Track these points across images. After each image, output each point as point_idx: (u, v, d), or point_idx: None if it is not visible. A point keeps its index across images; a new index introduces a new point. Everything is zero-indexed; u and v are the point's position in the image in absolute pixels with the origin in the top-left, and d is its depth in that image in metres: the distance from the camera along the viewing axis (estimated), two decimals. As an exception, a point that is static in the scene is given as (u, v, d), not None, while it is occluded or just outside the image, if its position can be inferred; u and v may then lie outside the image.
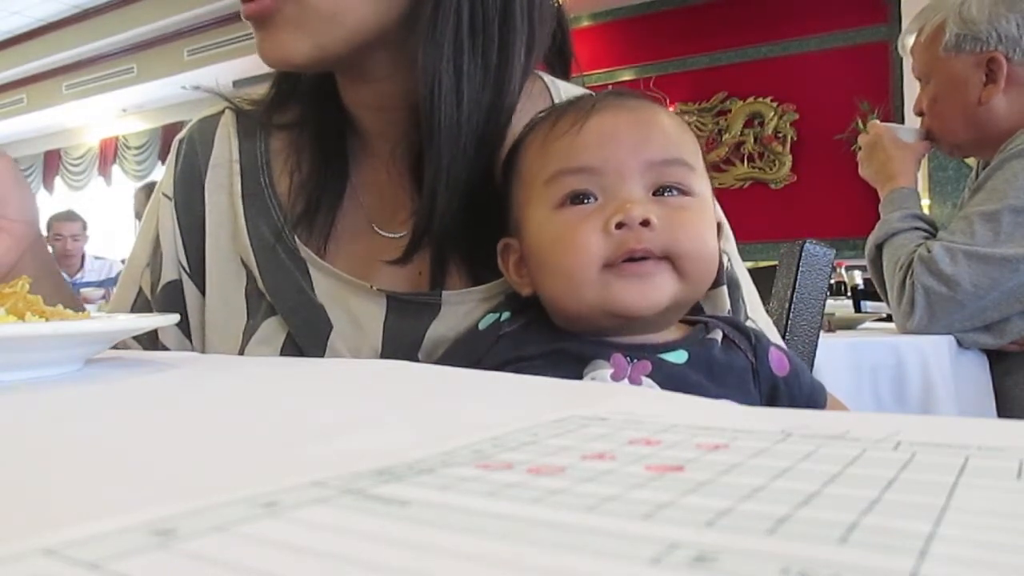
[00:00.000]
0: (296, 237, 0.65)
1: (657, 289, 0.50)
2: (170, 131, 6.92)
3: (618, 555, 0.12)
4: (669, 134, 0.53)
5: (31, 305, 0.45)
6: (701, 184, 0.54)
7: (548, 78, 0.70)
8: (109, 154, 7.89)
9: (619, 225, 0.50)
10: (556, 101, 0.67)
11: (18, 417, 0.31)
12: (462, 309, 0.61)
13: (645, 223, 0.49)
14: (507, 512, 0.15)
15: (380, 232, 0.66)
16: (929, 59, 1.38)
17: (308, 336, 0.62)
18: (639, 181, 0.51)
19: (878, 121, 1.50)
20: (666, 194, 0.52)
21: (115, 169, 7.87)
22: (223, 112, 0.73)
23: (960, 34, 1.31)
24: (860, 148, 1.52)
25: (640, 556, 0.12)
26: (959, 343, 1.27)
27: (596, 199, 0.52)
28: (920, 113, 1.45)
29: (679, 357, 0.52)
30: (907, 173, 1.42)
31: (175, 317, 0.52)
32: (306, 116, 0.68)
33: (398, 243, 0.64)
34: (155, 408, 0.34)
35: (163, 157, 7.09)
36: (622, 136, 0.52)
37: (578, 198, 0.52)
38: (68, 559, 0.12)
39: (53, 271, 0.73)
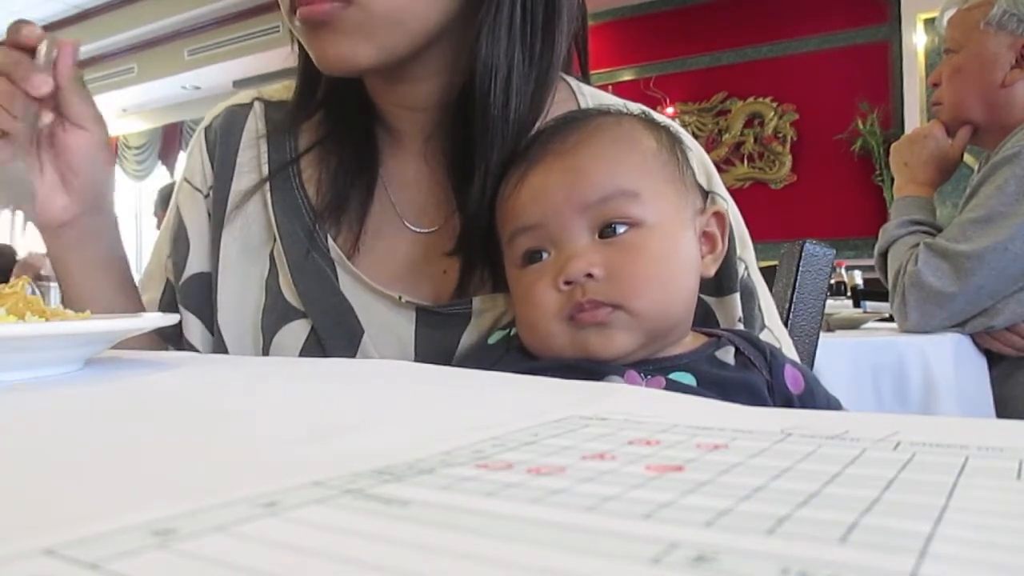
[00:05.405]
0: (328, 235, 0.65)
1: (616, 338, 0.51)
2: (170, 131, 6.90)
3: (618, 555, 0.12)
4: (599, 170, 0.52)
5: (31, 305, 0.45)
6: (652, 207, 0.52)
7: (574, 83, 0.70)
8: (109, 154, 7.89)
9: (566, 282, 0.51)
10: (582, 106, 0.67)
11: (18, 417, 0.31)
12: (492, 316, 0.61)
13: (589, 275, 0.50)
14: (507, 512, 0.15)
15: (411, 227, 0.66)
16: (967, 29, 1.38)
17: (338, 339, 0.62)
18: (581, 226, 0.52)
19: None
20: (614, 231, 0.51)
21: (115, 169, 7.86)
22: (252, 104, 0.72)
23: (1008, 11, 1.32)
24: (861, 147, 1.52)
25: (640, 556, 0.12)
26: (963, 326, 1.28)
27: (549, 253, 0.53)
28: (935, 84, 1.45)
29: (688, 380, 0.52)
30: (923, 184, 1.41)
31: (175, 317, 0.51)
32: (333, 116, 0.67)
33: (429, 238, 0.64)
34: (155, 408, 0.34)
35: (163, 157, 7.07)
36: (553, 186, 0.53)
37: (533, 255, 0.54)
38: (68, 559, 0.12)
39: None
